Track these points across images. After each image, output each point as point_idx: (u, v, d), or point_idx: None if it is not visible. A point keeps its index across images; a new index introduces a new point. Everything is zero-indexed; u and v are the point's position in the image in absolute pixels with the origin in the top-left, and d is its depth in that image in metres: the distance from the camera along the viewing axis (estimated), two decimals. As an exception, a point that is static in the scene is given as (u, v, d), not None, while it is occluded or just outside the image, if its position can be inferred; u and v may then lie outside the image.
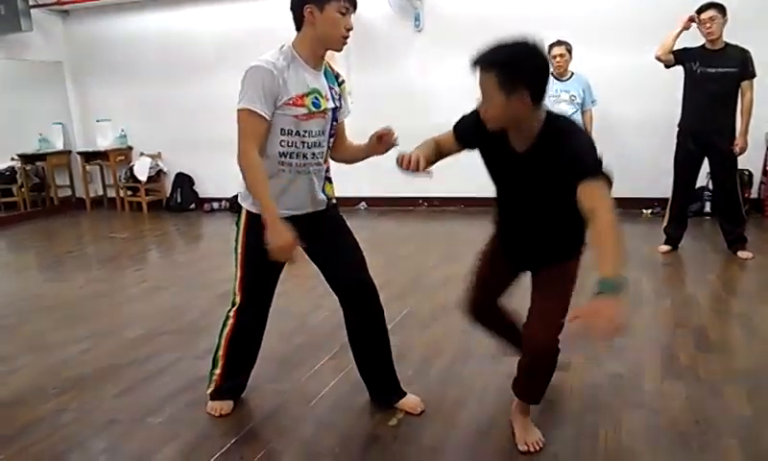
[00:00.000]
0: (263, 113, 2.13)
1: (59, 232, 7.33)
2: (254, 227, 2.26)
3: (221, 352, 2.55)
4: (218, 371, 2.58)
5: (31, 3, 7.56)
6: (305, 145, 2.25)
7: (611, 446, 2.22)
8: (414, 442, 2.31)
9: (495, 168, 2.15)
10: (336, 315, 3.63)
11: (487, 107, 1.91)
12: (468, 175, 7.44)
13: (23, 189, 8.23)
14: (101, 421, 2.59)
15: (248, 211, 2.35)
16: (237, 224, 2.40)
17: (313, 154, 2.28)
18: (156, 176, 8.17)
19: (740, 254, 4.58)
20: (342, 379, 2.84)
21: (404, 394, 2.55)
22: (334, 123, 2.35)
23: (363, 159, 2.51)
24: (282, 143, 2.22)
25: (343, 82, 2.42)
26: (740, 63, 4.38)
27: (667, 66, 4.63)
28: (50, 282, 5.03)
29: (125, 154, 8.29)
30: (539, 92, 1.87)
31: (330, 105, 2.30)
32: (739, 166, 4.66)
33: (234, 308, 2.48)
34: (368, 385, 2.60)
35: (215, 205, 8.04)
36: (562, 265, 2.16)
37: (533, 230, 2.14)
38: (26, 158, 8.24)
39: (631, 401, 2.52)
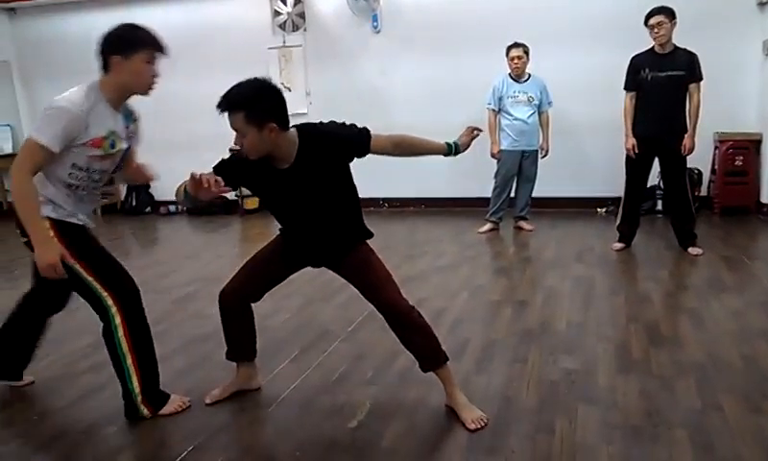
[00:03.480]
0: (54, 150, 2.23)
1: (8, 238, 7.08)
2: (64, 230, 2.37)
3: (129, 360, 2.45)
4: (136, 382, 2.47)
5: (-25, 0, 7.30)
6: (91, 179, 2.42)
7: (566, 440, 2.26)
8: (374, 443, 2.31)
9: (268, 192, 2.41)
10: (296, 318, 3.63)
11: (243, 141, 2.18)
12: (427, 176, 7.43)
13: (-31, 193, 7.95)
14: (51, 432, 2.51)
15: (50, 220, 2.35)
16: None
17: (95, 186, 2.48)
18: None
19: (691, 250, 4.73)
20: (301, 383, 2.82)
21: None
22: (121, 162, 2.52)
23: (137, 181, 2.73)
24: (71, 176, 2.35)
25: (136, 119, 2.56)
26: (688, 67, 4.51)
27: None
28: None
29: (77, 156, 8.06)
30: (284, 121, 2.20)
31: (124, 145, 2.46)
32: (689, 165, 4.81)
33: (114, 310, 2.42)
34: None
35: (171, 208, 7.92)
36: (357, 252, 2.45)
37: (319, 228, 2.40)
38: (-28, 160, 7.96)
39: (586, 396, 2.57)
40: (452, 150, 2.51)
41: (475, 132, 2.58)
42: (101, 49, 2.33)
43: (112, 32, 2.34)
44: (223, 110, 2.17)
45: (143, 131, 2.60)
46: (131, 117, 2.52)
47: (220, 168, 2.33)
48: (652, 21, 4.47)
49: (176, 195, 2.38)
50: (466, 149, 2.56)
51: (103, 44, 2.33)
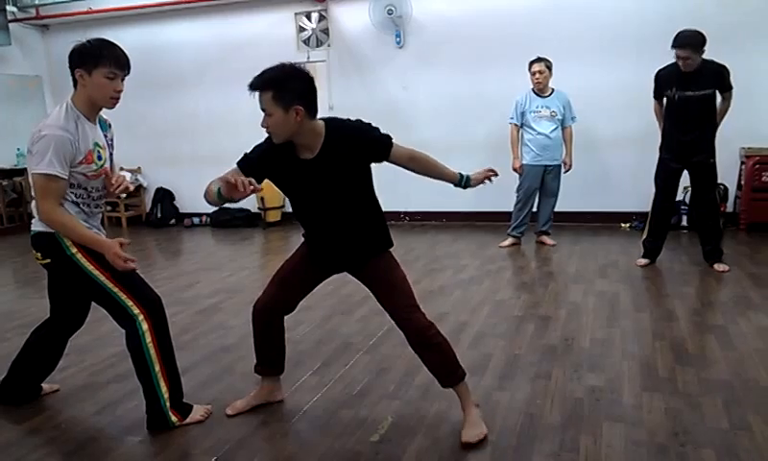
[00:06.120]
0: (62, 175, 2.34)
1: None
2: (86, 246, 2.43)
3: (158, 368, 2.50)
4: (165, 389, 2.52)
5: (10, 17, 7.50)
6: (91, 198, 2.53)
7: (591, 459, 2.23)
8: (396, 458, 2.30)
9: (291, 183, 2.39)
10: (318, 330, 3.65)
11: (269, 121, 2.21)
12: (449, 189, 7.44)
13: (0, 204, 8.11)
14: (78, 440, 2.54)
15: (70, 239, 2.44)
16: (69, 258, 2.44)
17: (97, 204, 2.58)
18: (136, 191, 8.11)
19: (717, 266, 4.66)
20: (323, 395, 2.82)
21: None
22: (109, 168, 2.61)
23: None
24: (74, 195, 2.45)
25: (110, 125, 2.67)
26: (716, 82, 4.42)
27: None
28: (26, 299, 4.95)
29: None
30: (310, 107, 2.23)
31: (107, 153, 2.56)
32: (715, 180, 4.75)
33: (141, 318, 2.47)
34: None
35: (196, 220, 8.02)
36: (381, 259, 2.44)
37: (339, 226, 2.40)
38: (3, 173, 8.10)
39: (611, 414, 2.54)
40: (462, 182, 2.52)
41: (491, 173, 2.56)
42: (69, 64, 2.42)
43: (78, 47, 2.43)
44: (253, 90, 2.20)
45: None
46: (105, 124, 2.62)
47: (244, 162, 2.35)
48: (679, 53, 4.34)
49: (205, 195, 2.33)
50: (476, 185, 2.55)
51: (70, 59, 2.42)
